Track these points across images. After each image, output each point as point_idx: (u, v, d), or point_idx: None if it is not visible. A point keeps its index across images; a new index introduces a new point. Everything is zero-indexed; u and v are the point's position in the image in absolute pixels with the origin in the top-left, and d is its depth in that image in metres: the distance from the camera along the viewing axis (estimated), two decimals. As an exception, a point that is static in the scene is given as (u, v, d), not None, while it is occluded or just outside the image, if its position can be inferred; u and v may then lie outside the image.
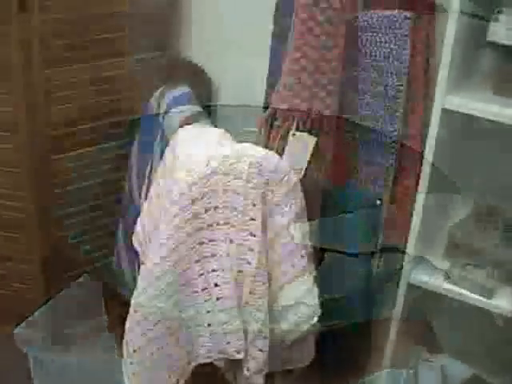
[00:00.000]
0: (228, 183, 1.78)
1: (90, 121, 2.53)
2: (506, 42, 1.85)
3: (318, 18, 1.90)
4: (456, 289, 2.02)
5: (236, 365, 1.94)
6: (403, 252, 2.07)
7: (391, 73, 2.01)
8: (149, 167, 2.40)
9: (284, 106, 1.97)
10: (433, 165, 1.93)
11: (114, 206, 2.69)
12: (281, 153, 1.96)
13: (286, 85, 1.97)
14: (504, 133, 1.91)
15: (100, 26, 2.44)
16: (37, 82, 2.33)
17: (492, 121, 1.83)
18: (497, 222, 2.13)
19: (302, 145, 1.98)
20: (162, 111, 2.43)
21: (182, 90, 2.51)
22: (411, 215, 2.03)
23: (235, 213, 1.80)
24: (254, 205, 1.80)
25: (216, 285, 1.85)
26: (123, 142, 2.65)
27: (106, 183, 2.67)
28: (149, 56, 2.63)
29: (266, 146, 1.99)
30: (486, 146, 2.18)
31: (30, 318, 2.45)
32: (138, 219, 2.18)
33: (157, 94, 2.53)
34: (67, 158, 2.50)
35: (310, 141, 1.98)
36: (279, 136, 1.98)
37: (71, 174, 2.53)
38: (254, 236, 1.81)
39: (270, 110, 2.03)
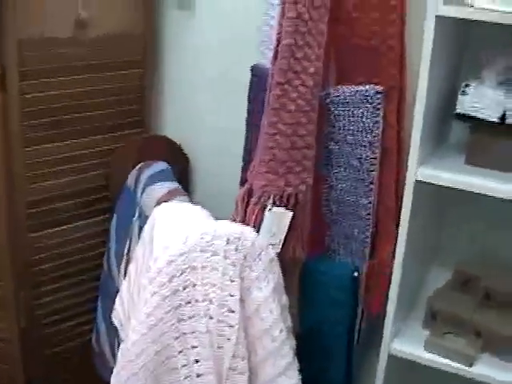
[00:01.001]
0: (206, 260, 1.78)
1: (68, 198, 2.55)
2: (474, 114, 1.91)
3: (291, 95, 1.94)
4: (436, 358, 2.02)
5: None
6: (382, 322, 2.08)
7: (365, 146, 2.04)
8: (127, 244, 2.40)
9: (260, 182, 1.99)
10: (408, 234, 1.96)
11: (94, 283, 2.68)
12: (258, 228, 1.97)
13: (261, 161, 1.99)
14: (477, 201, 1.95)
15: (79, 105, 2.48)
16: (15, 160, 2.34)
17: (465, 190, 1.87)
18: (476, 290, 2.15)
19: (278, 220, 1.99)
20: (140, 188, 2.45)
21: (160, 166, 2.54)
22: (389, 285, 2.04)
23: (214, 289, 1.80)
24: (232, 281, 1.80)
25: (196, 361, 1.83)
26: (102, 218, 2.67)
27: (85, 260, 2.66)
28: (126, 133, 2.68)
29: (242, 222, 2.00)
30: (461, 213, 2.23)
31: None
32: (118, 296, 2.17)
33: (135, 170, 2.55)
34: (45, 235, 2.51)
35: (287, 216, 2.00)
36: (256, 212, 1.99)
37: (50, 251, 2.53)
38: (233, 312, 1.80)
39: (246, 186, 2.06)
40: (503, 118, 1.87)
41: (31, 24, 2.28)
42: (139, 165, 2.57)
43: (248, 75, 2.30)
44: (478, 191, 1.85)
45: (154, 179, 2.46)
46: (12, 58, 2.25)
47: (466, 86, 1.91)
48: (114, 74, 2.57)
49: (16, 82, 2.28)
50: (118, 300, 2.16)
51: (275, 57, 1.94)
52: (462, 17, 1.78)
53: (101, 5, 2.47)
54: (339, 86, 2.08)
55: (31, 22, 2.28)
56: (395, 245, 2.00)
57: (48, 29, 2.33)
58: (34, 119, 2.37)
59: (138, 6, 2.62)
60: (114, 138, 2.64)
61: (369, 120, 2.02)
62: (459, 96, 1.92)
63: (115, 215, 2.59)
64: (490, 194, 1.83)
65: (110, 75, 2.55)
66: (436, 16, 1.76)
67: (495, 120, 1.88)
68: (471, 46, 2.10)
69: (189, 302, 1.81)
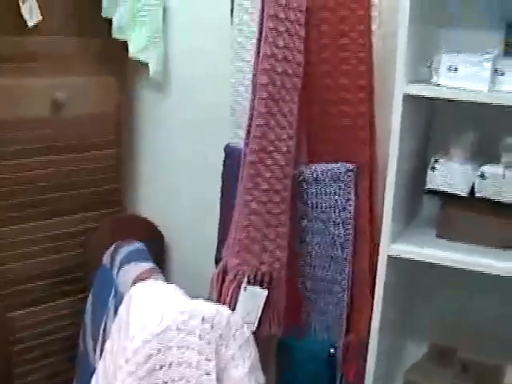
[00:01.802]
0: (182, 340, 1.78)
1: (44, 278, 2.54)
2: (443, 189, 1.95)
3: (264, 175, 1.98)
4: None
5: None
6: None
7: (338, 223, 2.06)
8: (103, 323, 2.38)
9: (235, 261, 2.00)
10: (383, 308, 1.97)
11: (69, 363, 2.64)
12: (233, 307, 1.98)
13: (235, 239, 2.01)
14: (450, 273, 1.97)
15: (54, 185, 2.50)
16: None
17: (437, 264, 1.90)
18: (453, 362, 2.15)
19: (253, 298, 2.00)
20: (116, 267, 2.45)
21: (136, 245, 2.55)
22: (365, 361, 2.04)
23: (190, 368, 1.79)
24: (209, 360, 1.79)
25: None
26: (78, 298, 2.65)
27: (62, 340, 2.64)
28: (102, 213, 2.69)
29: (218, 301, 2.01)
30: (435, 285, 2.24)
31: None
32: (94, 376, 2.14)
33: (110, 250, 2.56)
34: (21, 315, 2.48)
35: (262, 294, 2.01)
36: (231, 290, 2.00)
37: (27, 331, 2.50)
38: (210, 391, 1.80)
39: (221, 264, 2.07)
40: (472, 191, 1.91)
41: (6, 105, 2.31)
42: (115, 244, 2.58)
43: (221, 154, 2.34)
44: (449, 265, 1.88)
45: (129, 258, 2.46)
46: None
47: (435, 161, 1.97)
48: (89, 154, 2.60)
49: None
50: (93, 380, 2.14)
51: (247, 137, 1.99)
52: (428, 95, 1.85)
53: (76, 86, 2.52)
54: (311, 165, 2.11)
55: (6, 103, 2.31)
56: (371, 318, 2.00)
57: (24, 110, 2.37)
58: (9, 199, 2.38)
59: (112, 86, 2.67)
60: (90, 217, 2.65)
61: (341, 197, 2.05)
62: (429, 172, 1.97)
63: (91, 294, 2.57)
64: (461, 267, 1.86)
65: (85, 155, 2.58)
66: (403, 95, 1.82)
67: (464, 194, 1.93)
68: (439, 122, 2.17)
69: (166, 382, 1.81)
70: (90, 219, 2.65)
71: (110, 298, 2.41)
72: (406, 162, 1.97)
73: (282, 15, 1.95)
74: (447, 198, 1.98)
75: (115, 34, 2.57)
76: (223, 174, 2.33)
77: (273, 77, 1.95)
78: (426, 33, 2.01)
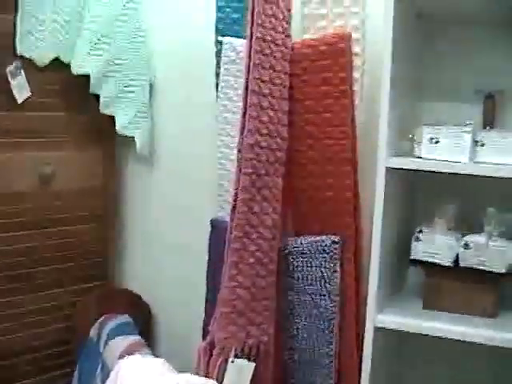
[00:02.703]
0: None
1: (30, 352, 2.52)
2: (428, 259, 1.97)
3: (249, 248, 1.99)
4: None
5: None
6: None
7: (324, 295, 2.06)
8: (90, 398, 2.37)
9: (222, 334, 1.99)
10: (370, 380, 1.95)
11: None
12: (221, 380, 1.96)
13: (222, 313, 2.00)
14: (437, 343, 1.97)
15: (41, 258, 2.52)
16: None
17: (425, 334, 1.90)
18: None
19: (241, 371, 1.99)
20: (102, 341, 2.44)
21: (122, 319, 2.55)
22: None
23: None
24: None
25: None
26: (64, 372, 2.62)
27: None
28: (88, 286, 2.69)
29: (205, 374, 1.99)
30: (422, 355, 2.24)
31: None
32: None
33: (97, 323, 2.55)
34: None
35: (249, 367, 2.00)
36: (218, 364, 1.98)
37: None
38: None
39: (208, 338, 2.05)
40: (456, 261, 1.93)
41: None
42: (102, 318, 2.58)
43: (207, 228, 2.35)
44: (435, 335, 1.88)
45: (116, 332, 2.45)
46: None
47: (419, 232, 1.98)
48: (77, 228, 2.63)
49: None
50: None
51: (233, 211, 2.00)
52: (410, 168, 1.88)
53: (64, 160, 2.57)
54: (297, 237, 2.13)
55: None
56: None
57: (12, 183, 2.42)
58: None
59: (100, 160, 2.72)
60: (77, 290, 2.65)
61: (327, 269, 2.06)
62: (413, 242, 1.98)
63: (77, 368, 2.56)
64: (448, 336, 1.86)
65: (72, 228, 2.61)
66: (386, 167, 1.85)
67: (449, 264, 1.94)
68: (422, 192, 2.19)
69: None
70: (77, 293, 2.66)
71: (97, 372, 2.40)
72: (391, 233, 1.99)
73: (265, 90, 1.99)
74: (432, 268, 1.99)
75: (102, 110, 2.62)
76: (209, 248, 2.34)
77: (257, 152, 1.98)
78: (407, 106, 2.06)
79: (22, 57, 2.41)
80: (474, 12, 1.93)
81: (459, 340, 1.85)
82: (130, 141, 2.72)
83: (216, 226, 2.31)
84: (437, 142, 1.86)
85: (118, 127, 2.67)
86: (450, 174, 1.82)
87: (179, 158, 2.70)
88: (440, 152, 1.85)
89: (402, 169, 1.89)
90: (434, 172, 1.85)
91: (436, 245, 1.95)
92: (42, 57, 2.47)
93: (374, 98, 2.04)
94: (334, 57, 2.04)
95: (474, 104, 2.05)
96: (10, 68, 2.37)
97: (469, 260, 1.91)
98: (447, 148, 1.85)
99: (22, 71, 2.41)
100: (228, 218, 2.05)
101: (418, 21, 2.07)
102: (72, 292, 2.64)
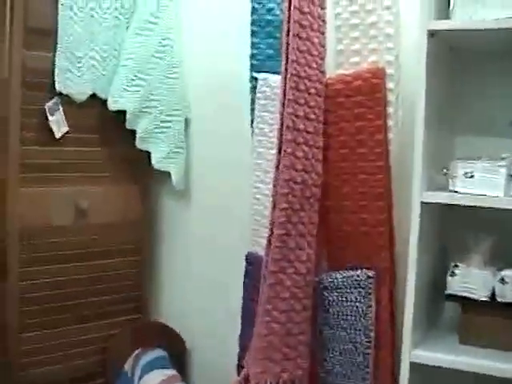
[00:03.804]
0: None
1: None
2: (464, 294, 1.95)
3: (285, 283, 2.00)
4: None
5: None
6: None
7: (359, 330, 2.06)
8: None
9: (256, 369, 1.99)
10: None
11: None
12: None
13: (257, 348, 2.00)
14: (474, 379, 1.94)
15: (77, 292, 2.55)
16: (10, 347, 2.37)
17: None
18: None
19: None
20: (137, 375, 2.45)
21: (157, 353, 2.56)
22: None
23: None
24: None
25: None
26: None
27: None
28: (123, 320, 2.72)
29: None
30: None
31: None
32: None
33: (132, 357, 2.56)
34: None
35: (284, 402, 2.01)
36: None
37: None
38: None
39: (243, 372, 2.05)
40: (493, 296, 1.91)
41: (33, 213, 2.39)
42: (136, 351, 2.59)
43: (241, 262, 2.37)
44: (471, 371, 1.85)
45: (151, 366, 2.46)
46: (13, 246, 2.35)
47: (455, 266, 1.97)
48: (112, 261, 2.66)
49: (16, 270, 2.36)
50: None
51: (268, 246, 2.01)
52: (445, 202, 1.88)
53: (100, 194, 2.61)
54: (332, 272, 2.13)
55: (33, 210, 2.39)
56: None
57: (49, 217, 2.46)
58: (32, 306, 2.42)
59: (135, 195, 2.75)
60: (111, 324, 2.67)
61: (362, 304, 2.05)
62: (448, 277, 1.97)
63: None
64: (484, 372, 1.83)
65: (107, 262, 2.64)
66: (421, 202, 1.85)
67: (485, 299, 1.92)
68: (457, 226, 2.16)
69: None
70: (111, 326, 2.67)
71: (133, 406, 2.41)
72: (426, 267, 1.98)
73: (300, 126, 2.01)
74: (468, 303, 1.98)
75: (139, 145, 2.67)
76: (245, 282, 2.35)
77: (292, 187, 1.99)
78: (441, 140, 2.06)
79: (60, 93, 2.47)
80: (507, 44, 1.94)
81: (496, 376, 1.82)
82: (165, 175, 2.76)
83: (251, 261, 2.32)
84: (471, 177, 1.86)
85: (153, 162, 2.71)
86: (485, 208, 1.82)
87: (215, 193, 2.72)
88: (475, 186, 1.84)
89: (436, 203, 1.88)
90: (469, 206, 1.84)
91: (472, 279, 1.94)
92: (80, 93, 2.53)
93: (408, 132, 2.04)
94: (368, 92, 2.06)
95: (508, 137, 2.04)
96: (48, 104, 2.43)
97: (506, 295, 1.89)
98: (482, 182, 1.84)
99: (61, 107, 2.46)
100: (263, 253, 2.06)
101: (451, 54, 2.08)
102: (108, 325, 2.65)
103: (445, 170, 1.94)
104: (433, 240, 2.04)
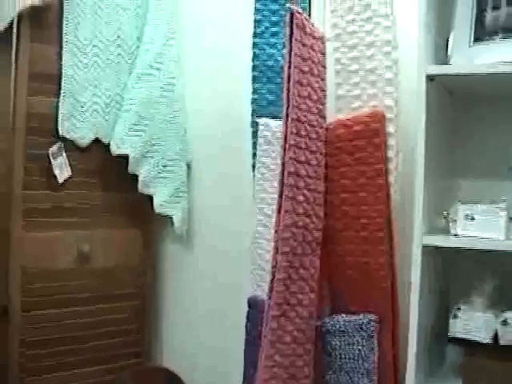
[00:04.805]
0: None
1: None
2: (466, 337, 1.94)
3: (287, 328, 1.99)
4: None
5: None
6: None
7: (362, 374, 2.05)
8: None
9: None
10: None
11: None
12: None
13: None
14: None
15: (78, 336, 2.54)
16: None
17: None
18: None
19: None
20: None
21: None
22: None
23: None
24: None
25: None
26: None
27: None
28: (125, 364, 2.70)
29: None
30: None
31: None
32: None
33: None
34: None
35: None
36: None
37: None
38: None
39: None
40: (495, 339, 1.91)
41: (35, 256, 2.41)
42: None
43: (243, 306, 2.36)
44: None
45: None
46: (16, 290, 2.36)
47: (457, 309, 1.97)
48: (114, 305, 2.66)
49: (18, 313, 2.37)
50: None
51: (270, 290, 2.00)
52: (446, 246, 1.88)
53: (102, 238, 2.62)
54: (334, 316, 2.13)
55: (35, 254, 2.41)
56: None
57: (52, 261, 2.47)
58: (34, 349, 2.41)
59: (137, 239, 2.77)
60: (113, 368, 2.66)
61: (365, 348, 2.05)
62: (451, 320, 1.97)
63: None
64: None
65: (109, 306, 2.64)
66: (422, 245, 1.86)
67: (488, 342, 1.91)
68: (459, 269, 2.18)
69: None
70: (114, 370, 2.66)
71: None
72: (428, 310, 1.98)
73: (301, 171, 2.03)
74: (470, 346, 1.97)
75: (141, 189, 2.69)
76: (247, 326, 2.34)
77: (294, 231, 2.00)
78: (441, 183, 2.08)
79: (63, 138, 2.50)
80: (506, 88, 1.97)
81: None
82: (167, 219, 2.78)
83: (253, 305, 2.31)
84: (472, 219, 1.87)
85: (156, 206, 2.73)
86: (486, 250, 1.82)
87: (216, 236, 2.74)
88: (475, 229, 1.85)
89: (437, 246, 1.90)
90: (470, 249, 1.85)
91: (474, 322, 1.93)
92: (83, 138, 2.56)
93: (408, 175, 2.06)
94: (368, 137, 2.08)
95: (508, 180, 2.05)
96: (52, 149, 2.46)
97: (508, 338, 1.88)
98: (483, 225, 1.84)
99: (64, 152, 2.49)
100: (265, 297, 2.05)
101: (451, 98, 2.11)
102: (110, 369, 2.64)
103: (445, 213, 1.95)
104: (434, 283, 2.04)
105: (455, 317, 1.97)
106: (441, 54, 1.95)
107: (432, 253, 1.92)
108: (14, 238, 2.36)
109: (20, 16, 2.32)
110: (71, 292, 2.52)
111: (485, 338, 1.92)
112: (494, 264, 1.99)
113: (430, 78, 1.88)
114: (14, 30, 2.33)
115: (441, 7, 1.96)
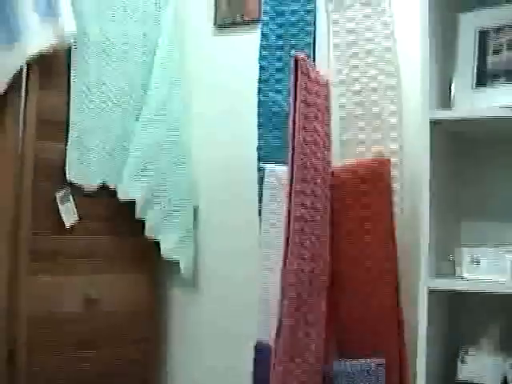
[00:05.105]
0: None
1: None
2: (474, 381, 1.91)
3: (294, 372, 1.98)
4: None
5: None
6: None
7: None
8: None
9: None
10: None
11: None
12: None
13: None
14: None
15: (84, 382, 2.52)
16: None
17: None
18: None
19: None
20: None
21: None
22: None
23: None
24: None
25: None
26: None
27: None
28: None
29: None
30: None
31: None
32: None
33: None
34: None
35: None
36: None
37: None
38: None
39: None
40: (505, 382, 1.90)
41: (42, 301, 2.41)
42: None
43: (252, 351, 2.35)
44: None
45: None
46: (22, 333, 2.34)
47: (465, 353, 1.96)
48: (121, 351, 2.65)
49: (24, 356, 2.33)
50: None
51: (277, 336, 2.00)
52: (452, 289, 1.89)
53: (109, 283, 2.63)
54: (341, 360, 2.12)
55: (42, 299, 2.41)
56: None
57: (58, 305, 2.47)
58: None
59: (144, 284, 2.78)
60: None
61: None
62: (459, 364, 1.95)
63: None
64: None
65: (116, 352, 2.63)
66: (428, 289, 1.85)
67: (497, 384, 1.91)
68: (466, 312, 2.17)
69: None
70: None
71: None
72: (435, 354, 1.97)
73: (307, 216, 2.03)
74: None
75: (148, 234, 2.69)
76: (254, 372, 2.33)
77: (300, 276, 2.01)
78: (447, 226, 2.08)
79: (71, 183, 2.51)
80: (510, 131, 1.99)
81: None
82: (174, 264, 2.78)
83: (260, 351, 2.30)
84: (477, 263, 1.87)
85: (162, 251, 2.73)
86: (492, 293, 1.82)
87: (223, 281, 2.75)
88: (481, 272, 1.85)
89: (443, 290, 1.90)
90: (476, 292, 1.85)
91: (482, 366, 1.91)
92: (90, 183, 2.57)
93: (413, 219, 2.08)
94: (373, 181, 2.10)
95: (512, 223, 2.07)
96: (59, 194, 2.47)
97: (518, 381, 1.88)
98: (488, 268, 1.85)
99: (71, 197, 2.50)
100: (272, 342, 2.05)
101: (455, 140, 2.12)
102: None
103: (451, 257, 1.95)
104: (441, 326, 2.04)
105: (463, 361, 1.96)
106: (444, 97, 1.97)
107: (438, 296, 1.92)
108: (21, 282, 2.35)
109: (29, 64, 2.36)
110: (78, 336, 2.51)
111: (493, 382, 1.91)
112: (501, 306, 1.99)
113: (434, 122, 1.90)
114: (23, 77, 2.37)
115: (443, 52, 1.99)
